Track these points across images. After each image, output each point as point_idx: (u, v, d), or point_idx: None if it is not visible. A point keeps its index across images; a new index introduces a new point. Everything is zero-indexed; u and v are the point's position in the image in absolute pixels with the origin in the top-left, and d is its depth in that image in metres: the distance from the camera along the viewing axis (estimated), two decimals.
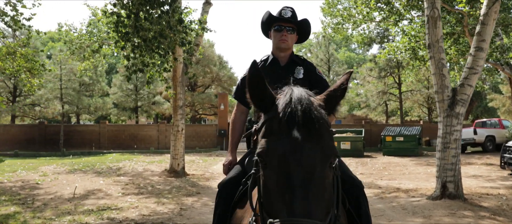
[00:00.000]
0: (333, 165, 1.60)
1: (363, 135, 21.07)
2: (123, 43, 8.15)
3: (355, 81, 47.52)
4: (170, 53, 10.30)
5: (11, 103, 26.82)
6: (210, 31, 13.68)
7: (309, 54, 39.81)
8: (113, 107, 29.96)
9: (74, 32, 15.58)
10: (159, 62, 10.68)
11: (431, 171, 14.48)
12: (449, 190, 8.10)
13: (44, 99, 25.72)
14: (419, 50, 16.08)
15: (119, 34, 8.11)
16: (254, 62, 1.66)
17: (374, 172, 14.43)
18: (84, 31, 15.49)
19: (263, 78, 1.65)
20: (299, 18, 2.81)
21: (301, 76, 2.71)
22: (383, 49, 20.60)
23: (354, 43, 56.68)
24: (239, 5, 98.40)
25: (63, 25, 15.64)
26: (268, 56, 2.86)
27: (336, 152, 1.60)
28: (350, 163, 17.62)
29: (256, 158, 1.61)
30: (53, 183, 11.27)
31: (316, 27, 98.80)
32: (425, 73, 25.46)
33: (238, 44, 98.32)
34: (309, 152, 1.51)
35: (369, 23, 19.54)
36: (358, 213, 2.27)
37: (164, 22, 7.83)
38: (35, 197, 9.37)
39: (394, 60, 24.60)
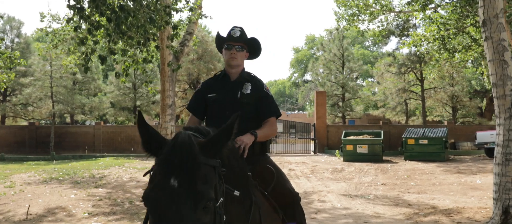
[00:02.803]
0: (216, 205, 1.83)
1: (382, 137, 18.85)
2: (77, 21, 6.19)
3: (370, 79, 45.11)
4: (150, 40, 8.34)
5: (1, 103, 25.12)
6: (206, 17, 11.74)
7: (321, 52, 37.65)
8: (110, 107, 28.04)
9: (57, 23, 13.82)
10: (138, 50, 8.75)
11: (466, 180, 12.32)
12: None
13: (33, 98, 23.92)
14: (449, 39, 13.91)
15: (73, 10, 6.15)
16: (139, 112, 1.99)
17: (398, 182, 12.28)
18: (67, 22, 13.70)
19: (147, 126, 1.91)
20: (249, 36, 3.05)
21: (248, 91, 2.93)
22: (406, 40, 18.40)
23: (368, 40, 54.39)
24: (248, 1, 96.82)
25: (46, 14, 13.83)
26: (222, 71, 3.09)
27: (209, 196, 1.77)
28: (368, 169, 15.53)
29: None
30: (14, 197, 9.39)
31: (329, 22, 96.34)
32: (449, 69, 23.11)
33: None
34: (179, 200, 1.71)
35: (388, 14, 17.57)
36: None
37: None
38: None
39: (417, 53, 22.30)
